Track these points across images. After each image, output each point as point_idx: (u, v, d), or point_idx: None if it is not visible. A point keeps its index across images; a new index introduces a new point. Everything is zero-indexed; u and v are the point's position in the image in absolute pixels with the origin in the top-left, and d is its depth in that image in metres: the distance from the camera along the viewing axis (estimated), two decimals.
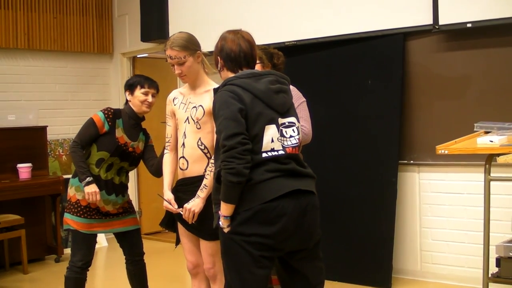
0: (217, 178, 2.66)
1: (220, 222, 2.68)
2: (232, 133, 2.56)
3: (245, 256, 2.64)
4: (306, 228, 2.70)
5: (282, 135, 2.71)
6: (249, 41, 2.87)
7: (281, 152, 2.68)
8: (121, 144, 3.84)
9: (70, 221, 3.89)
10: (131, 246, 4.07)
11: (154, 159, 3.94)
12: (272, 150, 2.66)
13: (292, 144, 2.73)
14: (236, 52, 2.82)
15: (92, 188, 3.76)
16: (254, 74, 2.75)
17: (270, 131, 2.67)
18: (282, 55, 4.08)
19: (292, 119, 2.78)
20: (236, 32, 2.88)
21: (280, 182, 2.64)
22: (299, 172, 2.72)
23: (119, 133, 3.86)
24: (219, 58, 2.87)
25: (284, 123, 2.74)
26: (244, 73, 2.75)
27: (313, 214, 2.73)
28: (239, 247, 2.64)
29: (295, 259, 2.78)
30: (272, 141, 2.67)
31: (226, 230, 2.68)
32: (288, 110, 2.78)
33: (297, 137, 2.77)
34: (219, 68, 2.90)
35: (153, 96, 3.92)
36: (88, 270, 3.96)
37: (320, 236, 2.83)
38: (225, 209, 2.64)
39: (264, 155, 2.64)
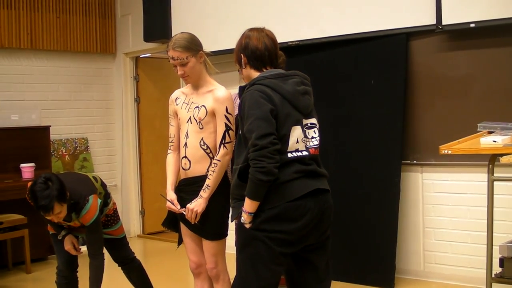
0: (239, 174, 2.73)
1: (242, 218, 2.73)
2: (264, 133, 2.61)
3: (265, 252, 2.71)
4: (323, 224, 2.81)
5: (305, 136, 2.79)
6: (273, 39, 2.91)
7: (305, 152, 2.77)
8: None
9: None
10: (112, 253, 4.06)
11: (91, 262, 3.73)
12: (297, 150, 2.74)
13: (314, 145, 2.82)
14: (261, 50, 2.85)
15: (66, 246, 3.80)
16: (281, 75, 2.80)
17: (296, 132, 2.75)
18: (282, 54, 4.07)
19: (313, 120, 2.86)
20: (260, 30, 2.91)
21: (304, 182, 2.73)
22: (318, 172, 2.81)
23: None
24: (242, 55, 2.89)
25: (307, 124, 2.82)
26: (271, 73, 2.79)
27: (329, 211, 2.84)
28: (261, 243, 2.70)
29: (307, 250, 2.84)
30: (297, 141, 2.75)
31: (248, 226, 2.73)
32: (311, 111, 2.86)
33: (317, 138, 2.85)
34: (242, 66, 2.92)
35: (56, 216, 3.52)
36: (76, 271, 3.96)
37: (330, 231, 2.91)
38: (249, 206, 2.69)
39: (289, 155, 2.72)
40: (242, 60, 2.89)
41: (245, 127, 2.69)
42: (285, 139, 2.71)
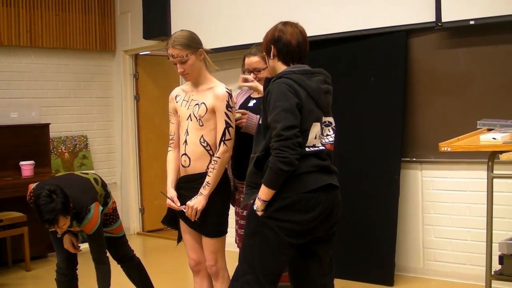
0: (256, 163, 2.81)
1: (256, 206, 2.78)
2: (290, 125, 2.67)
3: (274, 241, 2.77)
4: (332, 218, 2.88)
5: (322, 133, 2.87)
6: (305, 37, 2.95)
7: (322, 148, 2.84)
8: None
9: None
10: (111, 251, 4.04)
11: (97, 267, 3.74)
12: (314, 146, 2.82)
13: (330, 141, 2.89)
14: (294, 46, 2.90)
15: (65, 245, 3.79)
16: (307, 72, 2.86)
17: (315, 128, 2.83)
18: None
19: (331, 119, 2.93)
20: (295, 26, 2.95)
21: (318, 176, 2.80)
22: (330, 169, 2.88)
23: None
24: (273, 46, 2.93)
25: (325, 122, 2.89)
26: (298, 69, 2.85)
27: (338, 207, 2.94)
28: (271, 231, 2.77)
29: (313, 241, 2.90)
30: (315, 137, 2.82)
31: (260, 213, 2.78)
32: (329, 110, 2.93)
33: (332, 135, 2.92)
34: (270, 57, 2.95)
35: (60, 228, 3.51)
36: (76, 269, 3.96)
37: (337, 227, 2.98)
38: (265, 194, 2.75)
39: (307, 149, 2.78)
40: (272, 51, 2.93)
41: (270, 117, 2.73)
42: (305, 134, 2.77)
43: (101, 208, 3.73)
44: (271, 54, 2.94)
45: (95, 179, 3.90)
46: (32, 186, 3.69)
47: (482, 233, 4.08)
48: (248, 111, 3.46)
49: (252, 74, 3.55)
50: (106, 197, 3.91)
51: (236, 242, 3.74)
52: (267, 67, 3.24)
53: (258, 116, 3.38)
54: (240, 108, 3.62)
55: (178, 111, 3.43)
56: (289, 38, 2.89)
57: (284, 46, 2.89)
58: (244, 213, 3.52)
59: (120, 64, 7.64)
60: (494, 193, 3.56)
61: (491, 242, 3.55)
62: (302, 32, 2.94)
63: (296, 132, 2.68)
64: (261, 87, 3.33)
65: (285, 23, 2.95)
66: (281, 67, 2.91)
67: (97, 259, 3.74)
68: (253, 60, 3.56)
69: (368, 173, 5.16)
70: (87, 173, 4.04)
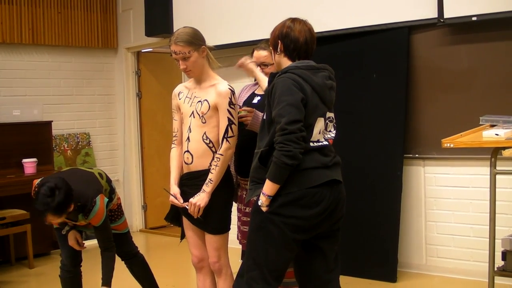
0: (260, 158, 2.83)
1: (260, 201, 2.79)
2: (294, 119, 2.69)
3: (278, 237, 2.79)
4: (336, 214, 2.91)
5: (325, 128, 2.90)
6: (313, 34, 2.98)
7: (325, 143, 2.87)
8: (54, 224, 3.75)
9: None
10: (116, 247, 4.01)
11: (104, 253, 3.76)
12: (318, 141, 2.84)
13: (331, 136, 2.93)
14: (302, 43, 2.92)
15: (69, 241, 3.80)
16: (313, 67, 2.89)
17: (320, 124, 2.86)
18: None
19: (332, 115, 2.96)
20: (303, 23, 2.96)
21: (322, 172, 2.82)
22: (334, 164, 2.91)
23: None
24: (280, 42, 2.94)
25: (329, 117, 2.93)
26: (303, 64, 2.87)
27: (343, 202, 2.96)
28: (276, 227, 2.78)
29: (318, 236, 2.91)
30: (319, 132, 2.85)
31: (264, 209, 2.79)
32: (332, 106, 2.96)
33: (334, 131, 2.96)
34: (277, 52, 2.97)
35: (49, 221, 3.52)
36: (80, 266, 3.97)
37: (341, 222, 3.01)
38: (270, 189, 2.76)
39: (311, 144, 2.81)
40: (278, 47, 2.95)
41: (275, 112, 2.75)
42: (310, 128, 2.80)
43: (106, 199, 3.74)
44: (278, 49, 2.95)
45: (99, 174, 3.92)
46: (37, 181, 3.69)
47: (485, 229, 4.08)
48: (254, 109, 3.45)
49: (259, 68, 3.55)
50: (110, 193, 3.92)
51: (238, 238, 3.74)
52: None
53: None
54: (244, 104, 3.62)
55: (181, 108, 3.44)
56: (297, 35, 2.90)
57: (292, 42, 2.90)
58: (247, 210, 3.53)
59: (122, 61, 7.64)
60: (497, 189, 3.55)
61: (494, 238, 3.54)
62: (310, 29, 2.95)
63: (300, 126, 2.69)
64: (258, 73, 3.38)
65: (293, 20, 2.96)
66: (286, 63, 2.93)
67: (104, 247, 3.76)
68: (262, 54, 3.56)
69: (370, 170, 5.15)
70: (91, 168, 4.06)
